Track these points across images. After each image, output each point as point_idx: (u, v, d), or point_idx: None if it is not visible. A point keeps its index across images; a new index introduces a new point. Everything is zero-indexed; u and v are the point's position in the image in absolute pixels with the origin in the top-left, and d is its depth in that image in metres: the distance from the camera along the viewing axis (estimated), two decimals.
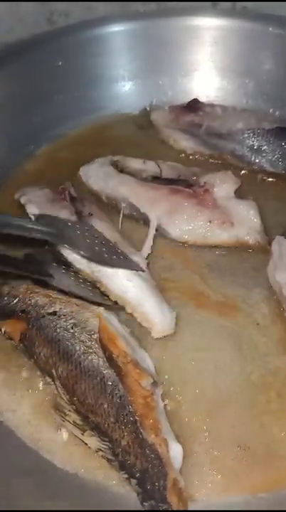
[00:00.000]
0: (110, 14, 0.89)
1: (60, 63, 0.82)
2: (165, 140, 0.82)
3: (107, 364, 0.52)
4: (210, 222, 0.67)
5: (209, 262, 0.69)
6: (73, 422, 0.52)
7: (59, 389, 0.53)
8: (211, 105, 0.81)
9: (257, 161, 0.76)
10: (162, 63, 0.87)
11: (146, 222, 0.69)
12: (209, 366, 0.58)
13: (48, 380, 0.55)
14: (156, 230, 0.69)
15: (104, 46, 0.84)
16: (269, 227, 0.70)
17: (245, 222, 0.67)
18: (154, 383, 0.53)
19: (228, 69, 0.87)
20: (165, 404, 0.54)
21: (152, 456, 0.47)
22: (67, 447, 0.53)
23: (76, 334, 0.55)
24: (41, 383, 0.57)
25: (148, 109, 0.88)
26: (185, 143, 0.80)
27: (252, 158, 0.76)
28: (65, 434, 0.53)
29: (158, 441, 0.47)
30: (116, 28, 0.84)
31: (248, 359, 0.59)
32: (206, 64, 0.88)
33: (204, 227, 0.67)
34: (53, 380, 0.54)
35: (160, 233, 0.69)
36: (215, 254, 0.69)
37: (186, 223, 0.68)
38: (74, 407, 0.52)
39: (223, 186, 0.69)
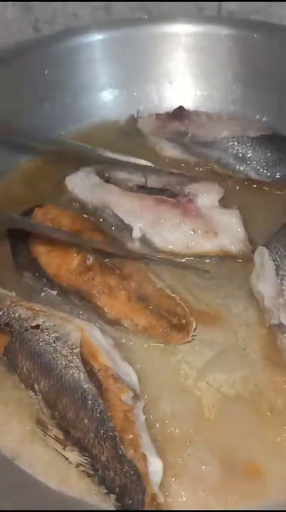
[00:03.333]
0: (95, 22, 0.89)
1: (46, 72, 0.82)
2: (151, 148, 0.82)
3: (88, 379, 0.52)
4: (193, 231, 0.67)
5: (194, 271, 0.69)
6: (55, 436, 0.52)
7: (41, 403, 0.54)
8: (197, 113, 0.81)
9: (242, 169, 0.76)
10: (148, 70, 0.87)
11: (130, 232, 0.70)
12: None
13: (31, 393, 0.56)
14: (141, 240, 0.69)
15: (89, 54, 0.84)
16: (254, 236, 0.70)
17: (228, 231, 0.68)
18: (135, 397, 0.53)
19: (215, 75, 0.86)
20: (146, 418, 0.54)
21: (131, 471, 0.47)
22: (48, 461, 0.53)
23: (58, 348, 0.55)
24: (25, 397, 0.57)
25: (135, 115, 0.87)
26: (171, 151, 0.80)
27: (238, 167, 0.76)
28: (47, 449, 0.53)
29: (137, 457, 0.48)
30: (101, 35, 0.83)
31: (231, 371, 0.59)
32: (192, 71, 0.87)
33: (188, 236, 0.67)
34: (35, 394, 0.55)
35: (145, 243, 0.69)
36: (200, 264, 0.70)
37: (170, 233, 0.68)
38: (55, 421, 0.52)
39: (206, 196, 0.69)
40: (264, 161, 0.75)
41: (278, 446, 0.54)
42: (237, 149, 0.76)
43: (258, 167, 0.75)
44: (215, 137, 0.77)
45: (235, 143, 0.76)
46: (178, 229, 0.68)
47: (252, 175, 0.76)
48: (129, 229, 0.69)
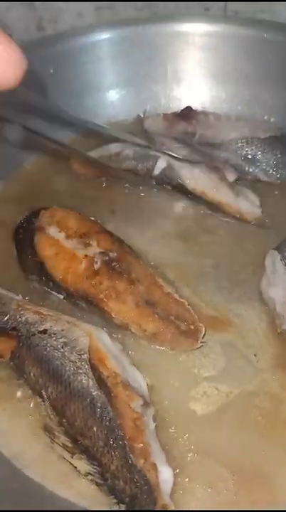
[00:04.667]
0: (101, 21, 0.87)
1: (52, 71, 0.81)
2: (158, 148, 0.81)
3: (97, 385, 0.51)
4: (221, 180, 0.71)
5: (202, 273, 0.68)
6: (62, 444, 0.51)
7: (48, 410, 0.53)
8: (204, 113, 0.80)
9: (250, 170, 0.75)
10: (155, 70, 0.86)
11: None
12: None
13: (39, 400, 0.55)
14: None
15: (95, 53, 0.83)
16: (264, 239, 0.69)
17: (246, 197, 0.72)
18: (145, 404, 0.52)
19: (223, 76, 0.85)
20: (156, 425, 0.53)
21: (141, 481, 0.46)
22: (56, 469, 0.52)
23: (66, 354, 0.54)
24: (32, 403, 0.56)
25: (142, 115, 0.86)
26: (178, 152, 0.79)
27: (246, 168, 0.75)
28: (54, 457, 0.53)
29: (147, 467, 0.47)
30: (107, 35, 0.82)
31: (239, 377, 0.58)
32: (200, 70, 0.86)
33: (215, 180, 0.72)
34: (43, 401, 0.54)
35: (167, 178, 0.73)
36: (207, 265, 0.69)
37: (199, 169, 0.72)
38: (63, 429, 0.51)
39: None
40: (273, 163, 0.74)
41: None
42: (246, 151, 0.75)
43: (268, 168, 0.74)
44: (223, 138, 0.76)
45: (244, 144, 0.75)
46: (207, 171, 0.72)
47: (262, 176, 0.75)
48: (154, 158, 0.72)
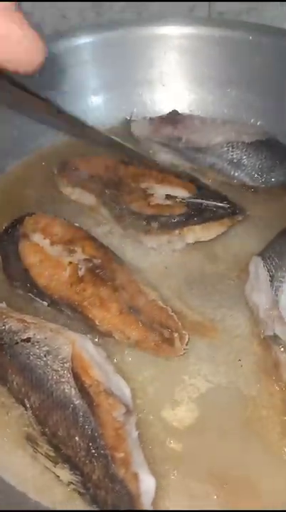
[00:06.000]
0: (84, 24, 0.86)
1: (37, 75, 0.80)
2: (145, 152, 0.81)
3: (79, 394, 0.51)
4: None
5: (188, 278, 0.68)
6: (45, 453, 0.51)
7: (31, 419, 0.53)
8: (190, 117, 0.80)
9: (236, 174, 0.75)
10: (141, 73, 0.85)
11: None
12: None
13: (22, 409, 0.55)
14: None
15: (79, 57, 0.82)
16: (249, 244, 0.69)
17: None
18: (128, 412, 0.52)
19: (209, 78, 0.85)
20: (138, 433, 0.53)
21: (122, 492, 0.46)
22: (39, 479, 0.52)
23: (49, 362, 0.54)
24: (15, 412, 0.56)
25: (128, 118, 0.86)
26: (164, 156, 0.79)
27: (232, 172, 0.75)
28: (37, 466, 0.52)
29: (128, 477, 0.47)
30: (91, 38, 0.81)
31: (225, 384, 0.58)
32: (186, 73, 0.86)
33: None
34: (26, 410, 0.54)
35: None
36: (193, 270, 0.69)
37: None
38: (46, 438, 0.51)
39: None
40: (259, 167, 0.74)
41: (274, 460, 0.53)
42: (232, 155, 0.75)
43: (253, 173, 0.74)
44: (209, 142, 0.75)
45: (230, 148, 0.74)
46: None
47: (247, 181, 0.75)
48: None
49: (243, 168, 0.74)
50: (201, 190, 0.70)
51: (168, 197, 0.67)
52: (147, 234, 0.67)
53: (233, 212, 0.68)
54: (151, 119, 0.82)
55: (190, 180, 0.70)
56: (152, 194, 0.68)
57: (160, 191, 0.68)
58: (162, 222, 0.66)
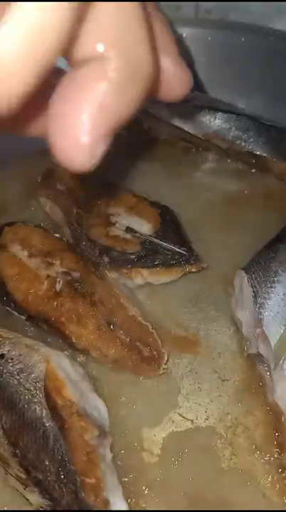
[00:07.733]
0: None
1: None
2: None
3: (50, 416, 0.49)
4: None
5: (172, 291, 0.66)
6: (16, 475, 0.50)
7: (2, 439, 0.51)
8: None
9: (243, 144, 0.73)
10: None
11: None
12: None
13: None
14: None
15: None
16: (240, 252, 0.66)
17: None
18: (102, 434, 0.50)
19: (201, 80, 0.82)
20: (113, 454, 0.51)
21: None
22: (9, 502, 0.51)
23: (21, 381, 0.52)
24: None
25: None
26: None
27: (238, 141, 0.73)
28: (7, 488, 0.51)
29: (98, 504, 0.45)
30: None
31: (207, 402, 0.56)
32: None
33: None
34: None
35: None
36: (178, 282, 0.66)
37: None
38: (17, 459, 0.50)
39: None
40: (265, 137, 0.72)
41: (253, 481, 0.51)
42: (240, 122, 0.73)
43: (259, 140, 0.72)
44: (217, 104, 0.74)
45: (236, 116, 0.73)
46: None
47: (254, 148, 0.72)
48: None
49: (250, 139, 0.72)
50: (165, 225, 0.64)
51: (128, 230, 0.62)
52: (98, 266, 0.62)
53: (187, 261, 0.62)
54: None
55: (160, 212, 0.65)
56: (114, 223, 0.63)
57: (123, 221, 0.63)
58: (112, 257, 0.61)
